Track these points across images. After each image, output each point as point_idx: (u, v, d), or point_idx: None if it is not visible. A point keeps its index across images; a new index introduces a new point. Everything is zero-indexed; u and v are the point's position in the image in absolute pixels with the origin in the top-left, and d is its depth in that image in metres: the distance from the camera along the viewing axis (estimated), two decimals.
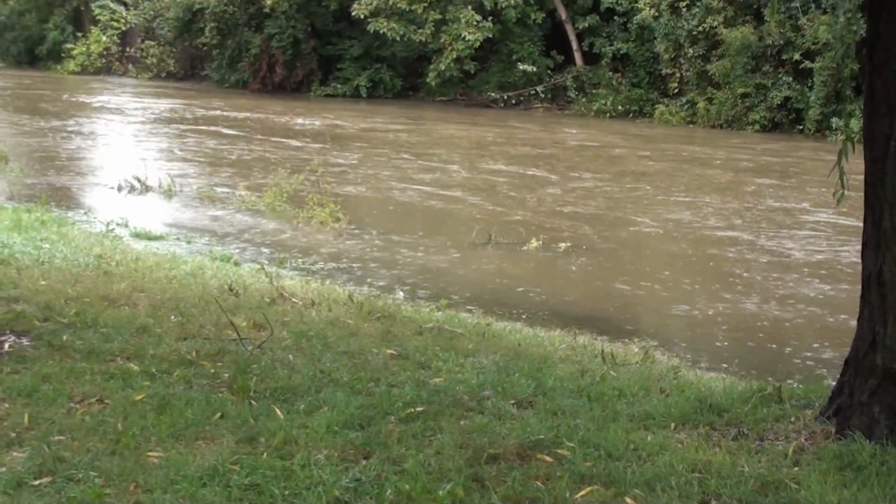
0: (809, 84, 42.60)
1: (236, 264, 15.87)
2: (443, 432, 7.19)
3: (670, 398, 8.37)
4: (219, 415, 7.34)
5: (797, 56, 42.74)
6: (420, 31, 52.82)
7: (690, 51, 46.98)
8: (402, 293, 15.31)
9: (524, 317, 14.13)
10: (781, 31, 43.07)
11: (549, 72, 54.68)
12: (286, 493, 6.07)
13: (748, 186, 28.86)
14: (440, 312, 12.79)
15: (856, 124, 7.82)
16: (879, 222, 7.32)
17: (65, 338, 9.15)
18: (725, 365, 12.28)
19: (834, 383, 7.98)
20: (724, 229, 22.14)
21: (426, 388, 8.25)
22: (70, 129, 38.29)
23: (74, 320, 9.79)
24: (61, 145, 33.17)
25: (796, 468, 6.78)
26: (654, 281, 17.44)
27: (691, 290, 16.77)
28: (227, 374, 8.35)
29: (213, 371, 8.46)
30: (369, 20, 53.26)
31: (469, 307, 14.24)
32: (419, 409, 7.64)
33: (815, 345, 13.76)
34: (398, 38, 53.52)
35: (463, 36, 51.80)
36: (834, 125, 40.40)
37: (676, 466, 6.65)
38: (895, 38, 7.22)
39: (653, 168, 32.70)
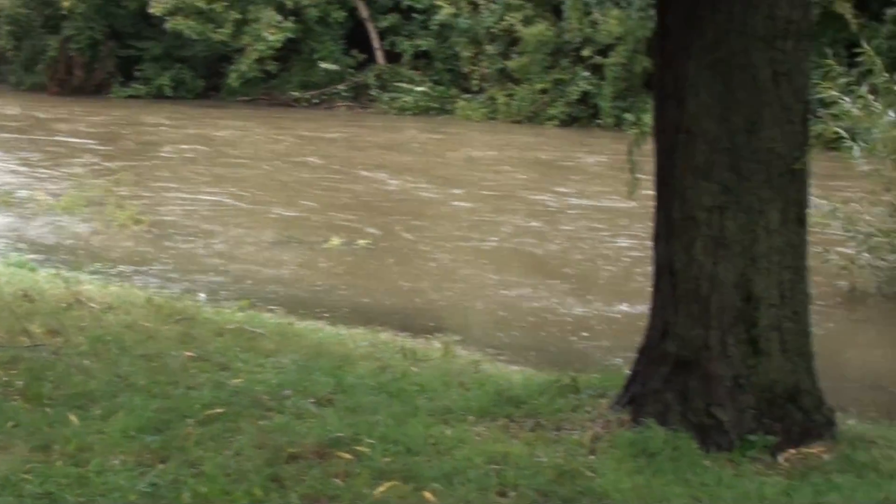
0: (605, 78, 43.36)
1: (32, 269, 15.44)
2: (242, 433, 7.13)
3: (470, 392, 8.43)
4: (11, 424, 7.15)
5: (593, 52, 43.45)
6: (220, 30, 52.37)
7: (490, 48, 47.46)
8: (203, 295, 15.13)
9: (327, 315, 14.04)
10: (580, 26, 43.75)
11: (350, 70, 54.65)
12: (81, 500, 5.95)
13: (547, 180, 29.17)
14: (242, 313, 12.61)
15: (649, 117, 7.99)
16: (670, 213, 7.49)
17: None
18: (526, 358, 12.40)
19: (629, 372, 8.12)
20: (524, 221, 22.34)
21: (225, 389, 8.16)
22: None
23: None
24: None
25: (592, 456, 6.89)
26: (455, 276, 17.53)
27: (494, 285, 16.89)
28: (20, 382, 8.12)
29: (5, 379, 8.22)
30: (167, 18, 52.65)
31: (271, 307, 14.09)
32: (218, 410, 7.56)
33: (613, 335, 13.99)
34: (197, 38, 52.97)
35: (264, 37, 51.51)
36: (627, 119, 41.19)
37: (475, 459, 6.70)
38: (683, 32, 7.40)
39: (452, 165, 32.88)
